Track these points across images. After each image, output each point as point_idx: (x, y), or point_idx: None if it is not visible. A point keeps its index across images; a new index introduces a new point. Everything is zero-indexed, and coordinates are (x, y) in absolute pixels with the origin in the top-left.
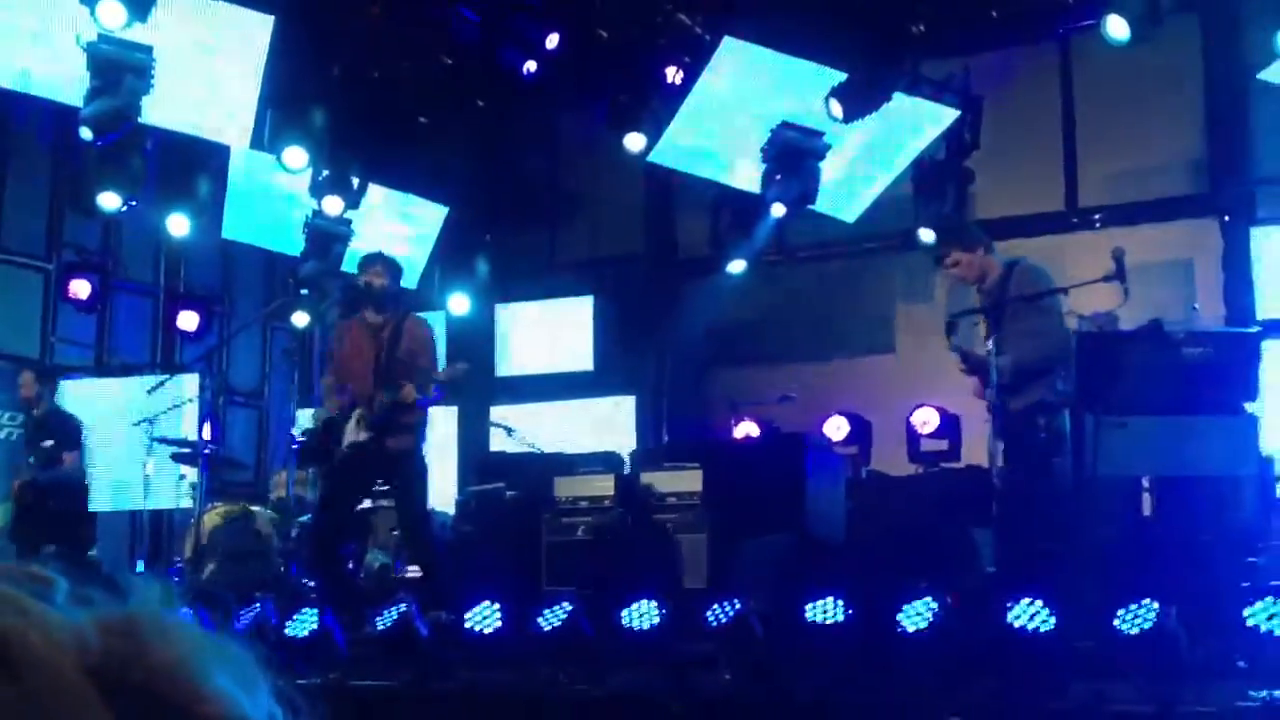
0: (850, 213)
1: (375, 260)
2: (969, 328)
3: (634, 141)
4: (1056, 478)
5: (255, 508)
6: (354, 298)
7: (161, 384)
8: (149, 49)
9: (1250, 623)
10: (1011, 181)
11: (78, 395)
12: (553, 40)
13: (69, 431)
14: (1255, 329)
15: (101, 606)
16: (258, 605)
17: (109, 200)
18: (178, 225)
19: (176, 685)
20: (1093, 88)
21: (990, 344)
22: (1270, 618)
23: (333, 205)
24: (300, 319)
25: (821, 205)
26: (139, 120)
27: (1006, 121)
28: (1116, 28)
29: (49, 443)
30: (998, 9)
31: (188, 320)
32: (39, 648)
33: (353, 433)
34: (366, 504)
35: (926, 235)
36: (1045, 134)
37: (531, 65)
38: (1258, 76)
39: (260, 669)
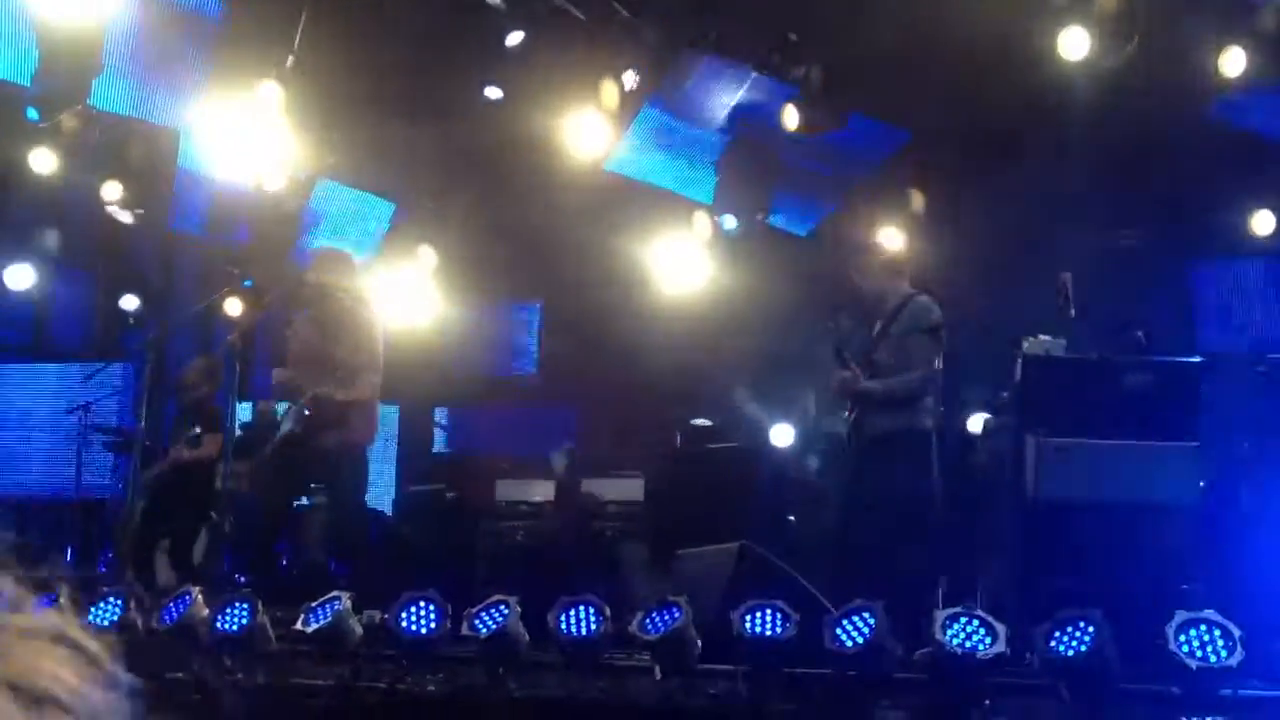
0: (803, 227)
1: (327, 253)
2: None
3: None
4: (915, 502)
5: None
6: (300, 292)
7: (98, 371)
8: (99, 30)
9: (1184, 650)
10: (959, 204)
11: (13, 379)
12: (514, 37)
13: (209, 416)
14: (1197, 359)
15: None
16: (187, 597)
17: (43, 160)
18: (112, 197)
19: None
20: (1041, 117)
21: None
22: (1203, 645)
23: (279, 197)
24: (238, 310)
25: (774, 219)
26: (87, 102)
27: (955, 147)
28: (1072, 46)
29: (196, 430)
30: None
31: (128, 307)
32: None
33: (285, 424)
34: (302, 500)
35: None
36: (991, 161)
37: (494, 92)
38: (1212, 107)
39: None
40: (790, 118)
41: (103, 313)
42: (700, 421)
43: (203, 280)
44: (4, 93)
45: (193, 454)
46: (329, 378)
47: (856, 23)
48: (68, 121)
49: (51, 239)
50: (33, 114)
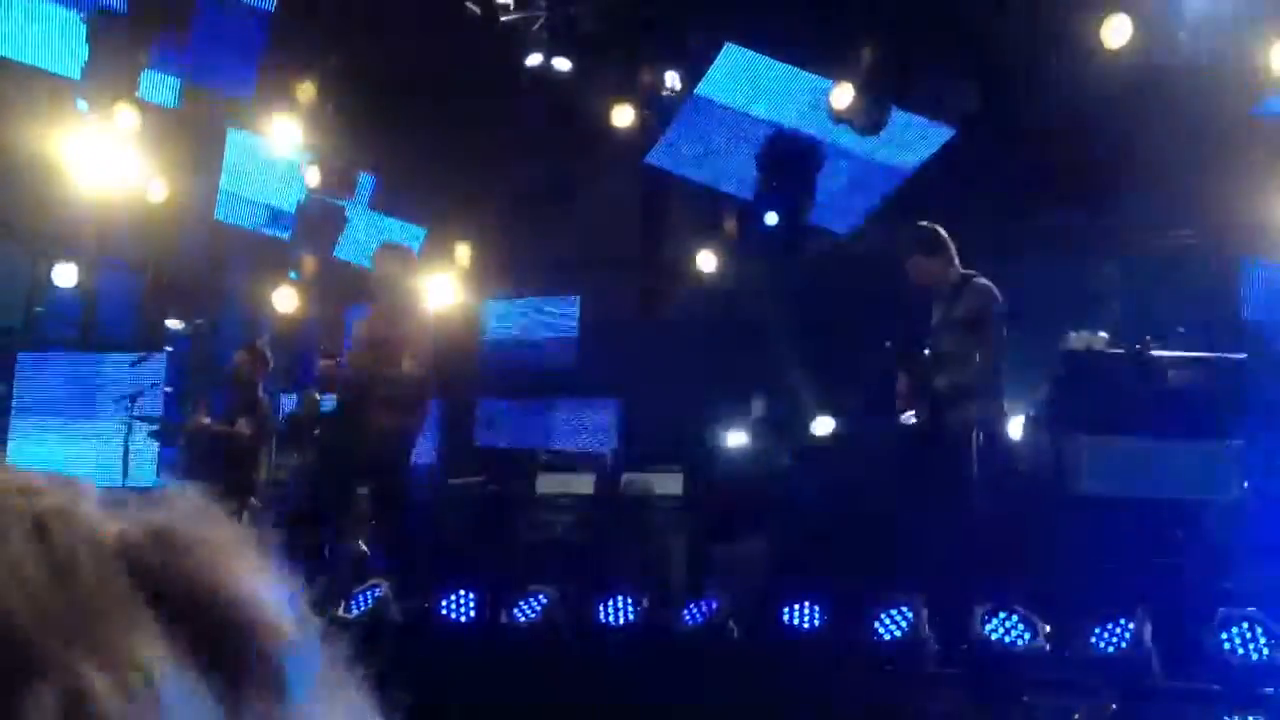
0: (843, 224)
1: (386, 247)
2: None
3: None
4: (956, 497)
5: None
6: (356, 285)
7: (141, 360)
8: (150, 22)
9: (1224, 647)
10: (1001, 199)
11: (62, 370)
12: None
13: (251, 401)
14: (1242, 355)
15: (137, 513)
16: None
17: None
18: (156, 193)
19: (212, 590)
20: (1086, 115)
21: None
22: (1245, 643)
23: (325, 190)
24: (285, 301)
25: (816, 215)
26: (138, 94)
27: (1003, 141)
28: (1115, 33)
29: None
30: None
31: (174, 298)
32: (84, 538)
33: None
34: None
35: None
36: (1038, 155)
37: (535, 57)
38: (1251, 111)
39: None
40: (840, 96)
41: (150, 304)
42: (732, 439)
43: (250, 273)
44: (54, 85)
45: (220, 427)
46: (393, 360)
47: (903, 18)
48: (118, 114)
49: (98, 232)
50: (82, 105)
